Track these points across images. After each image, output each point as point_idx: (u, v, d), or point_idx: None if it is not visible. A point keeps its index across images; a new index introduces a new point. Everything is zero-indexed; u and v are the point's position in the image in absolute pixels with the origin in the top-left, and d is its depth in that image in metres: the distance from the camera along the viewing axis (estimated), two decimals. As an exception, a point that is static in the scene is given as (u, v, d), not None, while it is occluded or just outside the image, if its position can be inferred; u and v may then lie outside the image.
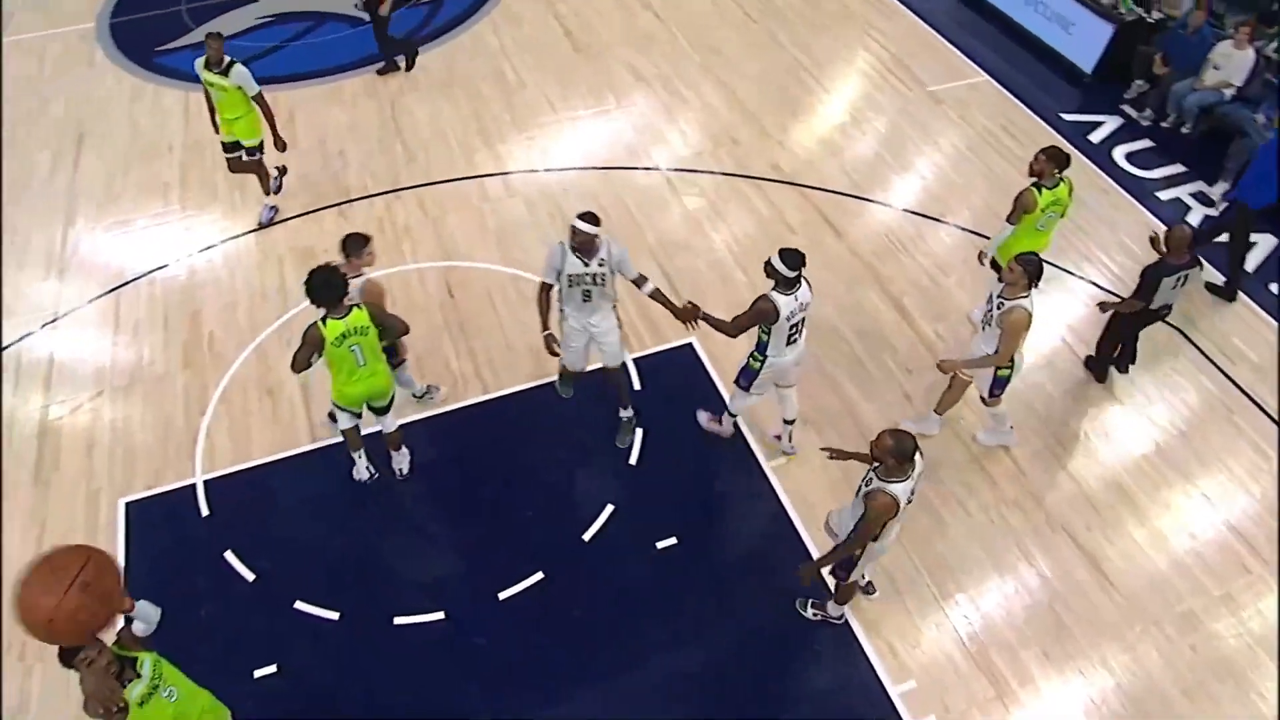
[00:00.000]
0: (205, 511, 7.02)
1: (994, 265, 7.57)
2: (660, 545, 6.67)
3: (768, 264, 6.08)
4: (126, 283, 8.93)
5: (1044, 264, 6.24)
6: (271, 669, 6.13)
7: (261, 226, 9.22)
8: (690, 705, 5.93)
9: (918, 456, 5.12)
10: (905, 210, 9.28)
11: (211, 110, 8.88)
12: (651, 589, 6.48)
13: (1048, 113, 10.58)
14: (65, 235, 9.49)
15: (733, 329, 6.25)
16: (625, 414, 7.19)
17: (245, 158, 9.04)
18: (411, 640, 6.25)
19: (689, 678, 6.05)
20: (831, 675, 6.11)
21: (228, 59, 8.35)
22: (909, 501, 5.26)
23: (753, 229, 9.06)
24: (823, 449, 5.98)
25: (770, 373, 6.51)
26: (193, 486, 7.17)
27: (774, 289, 6.12)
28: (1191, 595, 6.45)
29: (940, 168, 9.82)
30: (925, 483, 6.90)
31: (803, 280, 6.17)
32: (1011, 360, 6.49)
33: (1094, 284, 8.55)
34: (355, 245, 6.53)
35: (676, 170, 9.79)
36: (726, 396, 7.27)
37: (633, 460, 7.19)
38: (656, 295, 6.52)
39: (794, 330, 6.28)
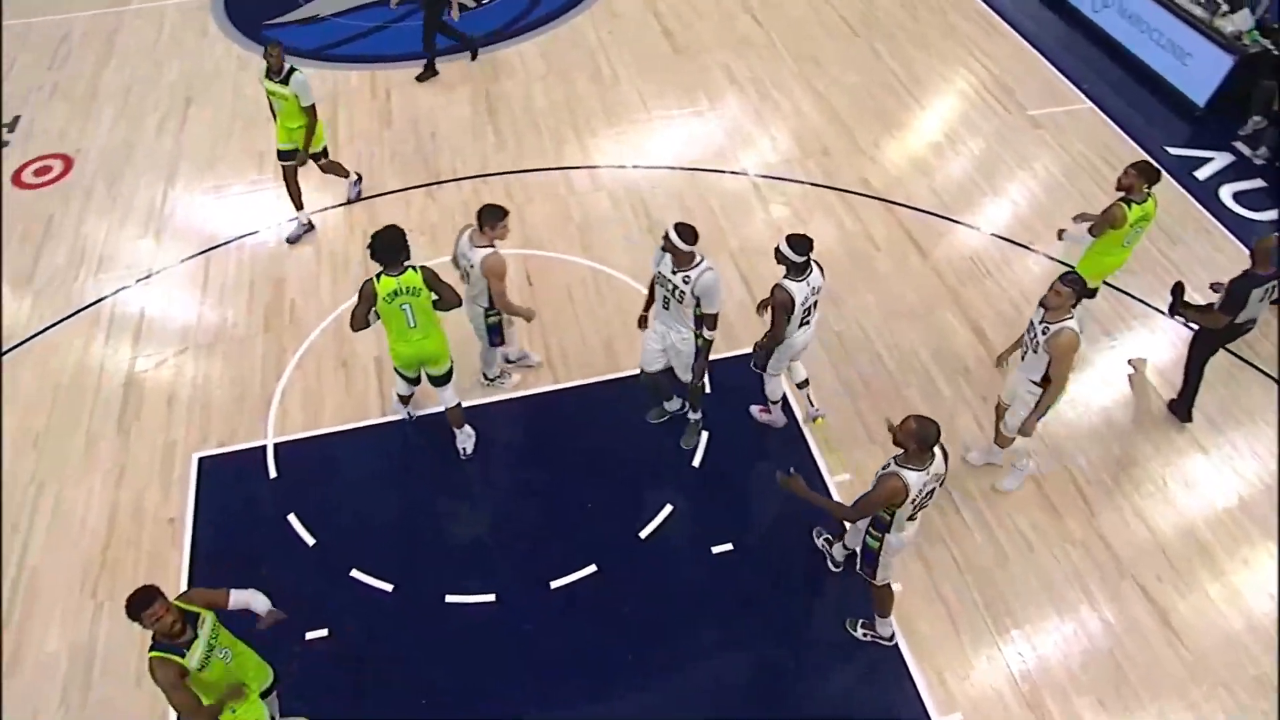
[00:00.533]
0: (273, 474, 7.18)
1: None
2: (716, 550, 6.62)
3: (777, 251, 6.26)
4: (217, 246, 9.19)
5: (1094, 289, 6.28)
6: (323, 632, 6.25)
7: (350, 201, 9.31)
8: (731, 713, 5.88)
9: (939, 454, 5.15)
10: (993, 235, 9.05)
11: (276, 116, 8.75)
12: (703, 593, 6.43)
13: (1152, 145, 10.22)
14: (165, 195, 9.82)
15: (767, 341, 6.56)
16: (693, 416, 7.15)
17: (315, 162, 8.93)
18: (461, 619, 6.31)
19: (732, 687, 5.99)
20: (877, 699, 5.98)
21: (288, 67, 8.26)
22: (925, 496, 5.25)
23: (835, 242, 8.94)
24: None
25: (784, 351, 6.70)
26: (263, 448, 7.35)
27: (785, 276, 6.31)
28: (1267, 659, 6.16)
29: (1033, 194, 9.56)
30: (990, 512, 6.76)
31: (813, 265, 6.34)
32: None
33: (1188, 326, 8.23)
34: (491, 216, 6.51)
35: (764, 176, 9.71)
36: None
37: (695, 463, 7.15)
38: (703, 348, 6.51)
39: (806, 314, 6.47)
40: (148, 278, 8.92)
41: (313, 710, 5.84)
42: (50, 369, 8.06)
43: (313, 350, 8.07)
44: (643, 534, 6.72)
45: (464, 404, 7.05)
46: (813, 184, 9.60)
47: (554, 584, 6.45)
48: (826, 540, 6.61)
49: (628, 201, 9.40)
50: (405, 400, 7.23)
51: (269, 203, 9.63)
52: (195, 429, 7.53)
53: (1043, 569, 6.56)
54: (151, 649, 4.55)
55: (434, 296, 6.32)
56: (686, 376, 6.75)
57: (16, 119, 10.95)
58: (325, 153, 9.00)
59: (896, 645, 6.12)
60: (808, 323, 6.56)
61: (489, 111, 10.71)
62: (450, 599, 6.39)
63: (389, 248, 6.17)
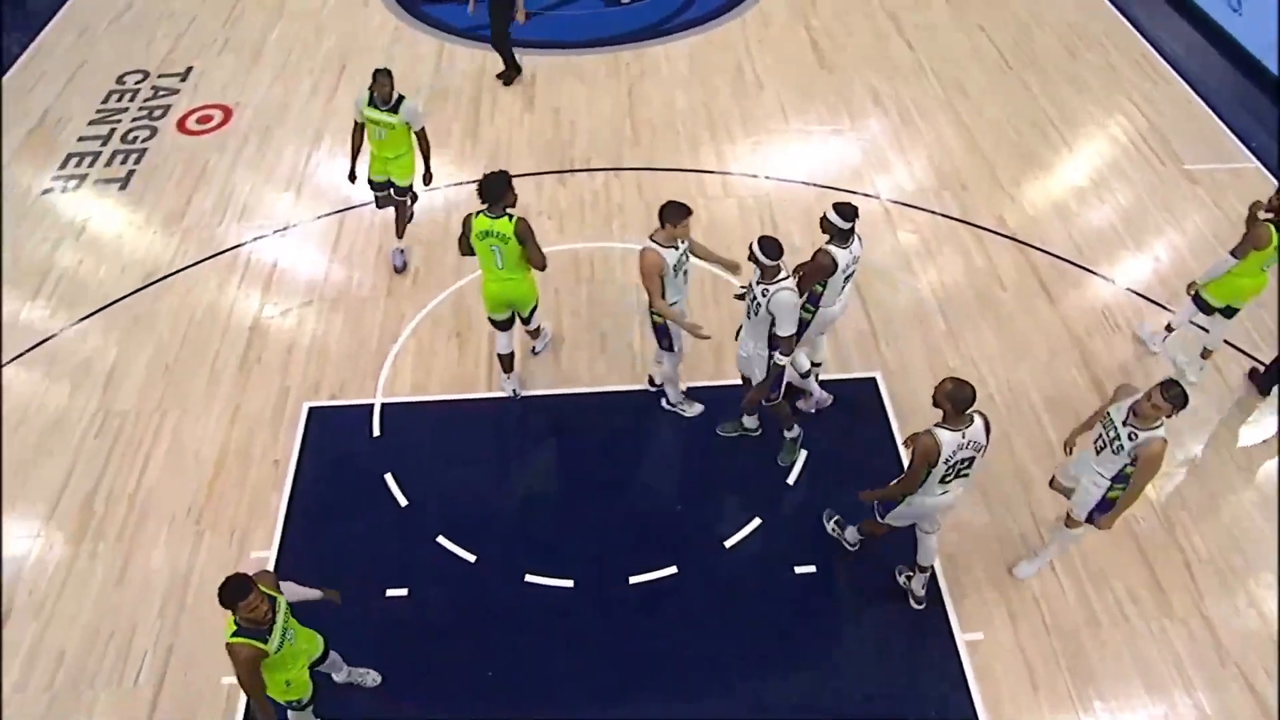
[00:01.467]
0: (376, 432, 7.39)
1: (1196, 298, 7.35)
2: (798, 570, 6.51)
3: (823, 219, 6.44)
4: (352, 207, 9.52)
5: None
6: (403, 592, 6.40)
7: (397, 271, 8.77)
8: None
9: (979, 422, 5.37)
10: (1129, 289, 8.65)
11: (355, 153, 8.32)
12: (779, 611, 6.33)
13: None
14: (310, 155, 10.24)
15: (801, 286, 6.42)
16: (789, 434, 7.06)
17: (394, 196, 8.51)
18: (537, 599, 6.37)
19: (797, 707, 5.87)
20: (946, 749, 5.79)
21: (397, 94, 7.91)
22: (960, 462, 5.41)
23: (962, 277, 8.69)
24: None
25: (818, 323, 6.79)
26: (370, 406, 7.57)
27: (829, 243, 6.44)
28: (1378, 775, 5.72)
29: (1179, 251, 9.09)
30: (1085, 572, 6.46)
31: (855, 234, 6.48)
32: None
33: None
34: (674, 214, 6.37)
35: (896, 202, 9.52)
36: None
37: (790, 480, 7.05)
38: (772, 370, 6.33)
39: (846, 281, 6.60)
40: (284, 230, 9.30)
41: (381, 664, 6.01)
42: (187, 304, 8.50)
43: (430, 318, 8.28)
44: (728, 543, 6.66)
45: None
46: (945, 215, 9.36)
47: (633, 579, 6.44)
48: (837, 523, 6.61)
49: (755, 211, 9.35)
50: (507, 365, 7.41)
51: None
52: (309, 379, 7.82)
53: (1137, 642, 6.22)
54: (236, 634, 4.64)
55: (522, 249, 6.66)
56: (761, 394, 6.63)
57: (189, 69, 11.59)
58: (411, 188, 8.54)
59: (971, 701, 5.89)
60: (843, 291, 6.68)
61: (629, 107, 10.81)
62: (529, 578, 6.46)
63: (492, 190, 6.51)
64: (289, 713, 5.30)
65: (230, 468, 7.18)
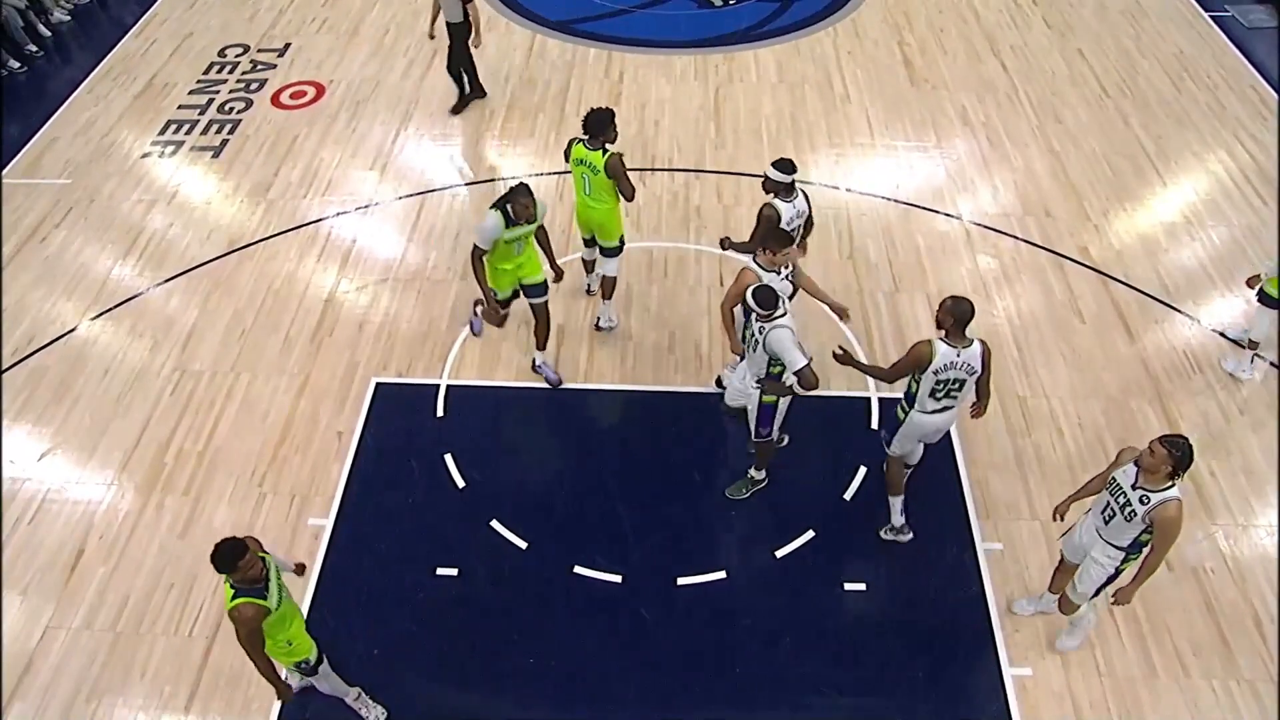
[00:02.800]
0: (440, 413, 7.50)
1: (1261, 294, 7.33)
2: (848, 586, 6.44)
3: (765, 178, 6.71)
4: (433, 190, 9.68)
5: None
6: (453, 571, 6.48)
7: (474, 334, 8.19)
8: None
9: (979, 346, 5.67)
10: (1214, 330, 8.35)
11: (483, 282, 7.04)
12: (825, 626, 6.27)
13: None
14: (397, 135, 10.43)
15: (751, 246, 6.59)
16: (756, 474, 6.88)
17: (533, 297, 7.35)
18: (584, 591, 6.40)
19: (834, 727, 5.83)
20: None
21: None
22: (952, 383, 5.70)
23: (1040, 306, 8.49)
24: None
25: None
26: (436, 387, 7.68)
27: (773, 199, 6.69)
28: None
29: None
30: (1147, 621, 6.25)
31: (798, 188, 6.74)
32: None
33: None
34: (775, 241, 6.28)
35: (978, 225, 9.34)
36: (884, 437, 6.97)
37: (848, 496, 6.97)
38: (766, 405, 6.19)
39: (793, 233, 6.69)
40: (366, 208, 9.49)
41: (424, 640, 6.13)
42: (267, 272, 8.72)
43: (500, 305, 8.37)
44: (779, 553, 6.61)
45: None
46: (1028, 242, 9.16)
47: (681, 581, 6.43)
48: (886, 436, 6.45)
49: (834, 224, 9.24)
50: (590, 267, 8.11)
51: (489, 159, 10.06)
52: (378, 355, 7.96)
53: (1197, 700, 5.98)
54: (236, 596, 4.71)
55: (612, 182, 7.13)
56: (752, 427, 6.44)
57: (288, 45, 11.90)
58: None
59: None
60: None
61: (715, 110, 10.79)
62: (578, 570, 6.49)
63: (594, 124, 7.04)
64: (307, 679, 5.42)
65: (296, 435, 7.35)
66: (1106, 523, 5.34)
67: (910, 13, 12.61)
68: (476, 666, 6.04)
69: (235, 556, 4.65)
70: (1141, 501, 5.07)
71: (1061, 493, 6.98)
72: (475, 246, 6.80)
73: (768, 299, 5.80)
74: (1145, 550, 5.26)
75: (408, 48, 11.83)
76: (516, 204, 6.65)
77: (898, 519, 6.64)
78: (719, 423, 7.41)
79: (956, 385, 5.76)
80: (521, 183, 6.72)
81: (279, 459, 7.19)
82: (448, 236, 9.12)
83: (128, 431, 7.40)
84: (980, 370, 5.77)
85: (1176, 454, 4.93)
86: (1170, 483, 5.04)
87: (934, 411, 5.92)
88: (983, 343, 5.73)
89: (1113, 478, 5.25)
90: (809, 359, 5.77)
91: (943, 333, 5.68)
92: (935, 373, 5.66)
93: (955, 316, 5.55)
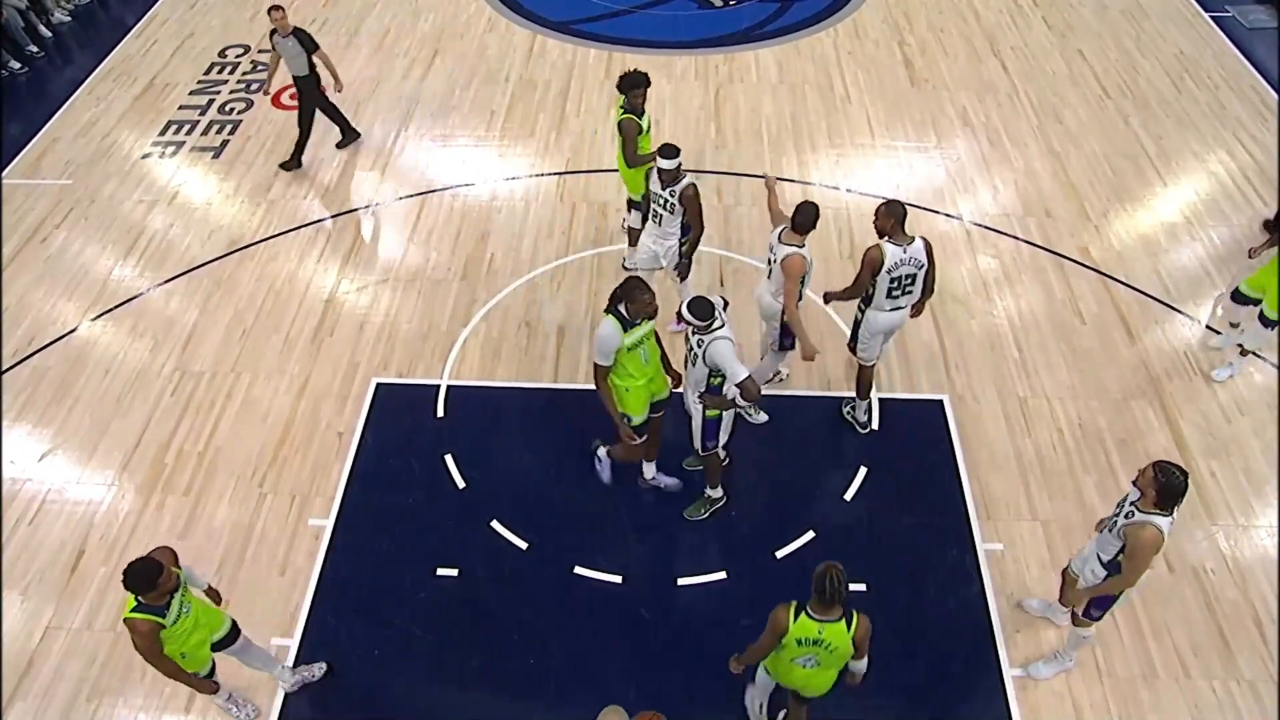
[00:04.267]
0: (440, 413, 7.50)
1: (1236, 294, 7.42)
2: (850, 587, 6.39)
3: (659, 170, 7.05)
4: (433, 190, 9.68)
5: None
6: (453, 572, 6.48)
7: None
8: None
9: (921, 243, 6.35)
10: (1214, 330, 8.35)
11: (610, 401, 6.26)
12: (826, 629, 6.26)
13: None
14: (397, 136, 10.43)
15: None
16: (710, 491, 6.77)
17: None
18: (585, 591, 6.41)
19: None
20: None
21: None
22: (905, 279, 6.37)
23: (1040, 306, 8.49)
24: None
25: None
26: (436, 387, 7.68)
27: (664, 189, 7.13)
28: None
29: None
30: (1147, 621, 6.25)
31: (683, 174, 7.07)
32: None
33: None
34: (807, 215, 6.40)
35: (979, 225, 9.34)
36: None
37: (848, 496, 6.97)
38: (711, 419, 6.15)
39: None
40: (366, 208, 9.49)
41: (425, 639, 6.12)
42: (267, 273, 8.73)
43: (501, 306, 8.37)
44: (779, 554, 6.62)
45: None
46: (1028, 242, 9.16)
47: (681, 581, 6.44)
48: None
49: (834, 224, 9.24)
50: (633, 240, 8.14)
51: (489, 160, 10.07)
52: (379, 355, 7.96)
53: (1198, 701, 5.98)
54: (135, 609, 4.72)
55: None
56: (697, 442, 6.39)
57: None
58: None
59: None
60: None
61: (715, 110, 10.79)
62: (579, 570, 6.49)
63: (620, 84, 7.49)
64: (298, 676, 5.49)
65: (296, 435, 7.35)
66: (1099, 531, 5.33)
67: (911, 13, 12.61)
68: (476, 666, 6.04)
69: (153, 576, 4.64)
70: (1126, 517, 5.01)
71: (1062, 494, 7.04)
72: (596, 365, 5.89)
73: (703, 310, 5.68)
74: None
75: (408, 48, 11.84)
76: (633, 302, 5.67)
77: (864, 416, 7.38)
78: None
79: (909, 281, 6.45)
80: (631, 277, 5.82)
81: (279, 459, 7.20)
82: (448, 236, 9.12)
83: (128, 432, 7.40)
84: (926, 264, 6.41)
85: (1162, 479, 4.80)
86: (1159, 511, 4.89)
87: (891, 310, 6.60)
88: (924, 239, 6.40)
89: (1125, 496, 5.18)
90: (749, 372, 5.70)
91: (886, 237, 6.30)
92: (889, 272, 6.33)
93: (894, 217, 6.25)
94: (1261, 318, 7.42)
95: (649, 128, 7.88)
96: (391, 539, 6.68)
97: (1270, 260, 7.12)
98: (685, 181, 7.08)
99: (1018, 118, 10.80)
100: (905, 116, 10.78)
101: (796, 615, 4.73)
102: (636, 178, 7.80)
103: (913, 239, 6.34)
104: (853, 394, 7.36)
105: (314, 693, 5.87)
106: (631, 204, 8.19)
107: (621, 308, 5.72)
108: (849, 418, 7.41)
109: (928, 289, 6.61)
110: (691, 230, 7.31)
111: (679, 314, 7.34)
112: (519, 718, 5.89)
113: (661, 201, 7.22)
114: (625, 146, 7.63)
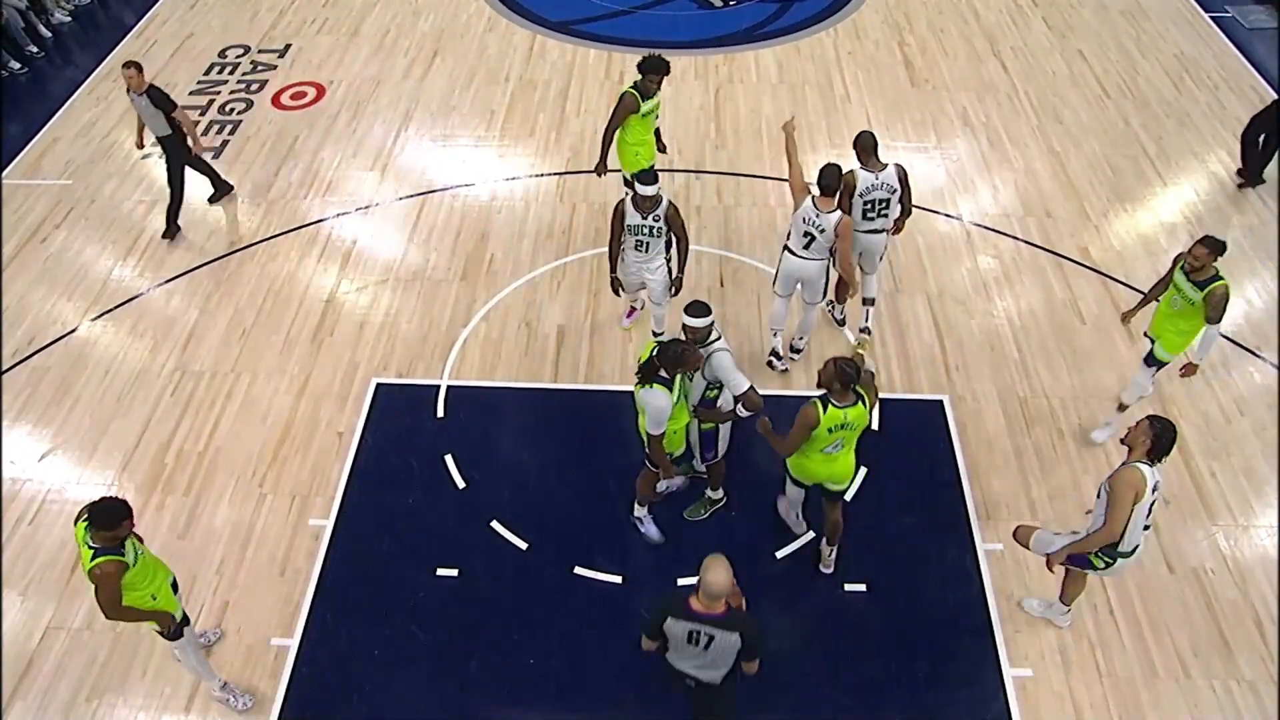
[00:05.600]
0: (440, 413, 7.50)
1: (1150, 355, 6.87)
2: (848, 587, 6.43)
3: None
4: (433, 190, 9.68)
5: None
6: (453, 572, 6.48)
7: None
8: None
9: (891, 165, 7.12)
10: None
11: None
12: (824, 627, 6.28)
13: None
14: (397, 136, 10.43)
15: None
16: (713, 494, 6.80)
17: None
18: (585, 591, 6.40)
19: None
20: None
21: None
22: (879, 204, 7.10)
23: (1040, 306, 8.49)
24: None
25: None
26: (436, 387, 7.68)
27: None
28: None
29: (1272, 296, 8.76)
30: (1147, 622, 6.25)
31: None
32: (1115, 544, 5.29)
33: None
34: (833, 178, 6.85)
35: (979, 225, 9.34)
36: (963, 466, 7.04)
37: (848, 496, 6.95)
38: (709, 433, 6.25)
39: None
40: (366, 209, 9.49)
41: (424, 639, 6.12)
42: (267, 273, 8.73)
43: (501, 306, 8.37)
44: (779, 554, 6.62)
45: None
46: (1028, 242, 9.16)
47: (682, 581, 6.42)
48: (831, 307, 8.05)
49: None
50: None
51: (489, 160, 10.08)
52: (379, 356, 7.96)
53: (1198, 700, 5.98)
54: (95, 556, 4.73)
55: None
56: (698, 453, 6.44)
57: (288, 46, 11.91)
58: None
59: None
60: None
61: (715, 110, 10.80)
62: (578, 570, 6.49)
63: (650, 65, 7.59)
64: (180, 645, 5.40)
65: (296, 435, 7.35)
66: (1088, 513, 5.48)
67: (910, 13, 12.62)
68: (477, 667, 6.04)
69: (122, 515, 4.71)
70: (1109, 478, 5.19)
71: (1062, 493, 7.03)
72: (653, 436, 5.83)
73: (702, 310, 5.79)
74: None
75: (408, 48, 11.84)
76: (684, 364, 5.60)
77: (839, 315, 8.19)
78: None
79: (883, 205, 7.14)
80: (670, 342, 5.66)
81: (279, 459, 7.19)
82: (448, 236, 9.12)
83: (128, 432, 7.40)
84: (899, 188, 7.15)
85: (1157, 426, 5.06)
86: (1146, 461, 5.10)
87: (867, 231, 7.26)
88: (898, 165, 7.18)
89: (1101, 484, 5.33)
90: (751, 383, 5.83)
91: (860, 165, 7.04)
92: (861, 195, 7.04)
93: (863, 146, 7.09)
94: (1149, 357, 6.93)
95: (654, 115, 7.94)
96: (391, 539, 6.68)
97: (1156, 309, 6.85)
98: (664, 203, 6.96)
99: (1018, 118, 10.80)
100: (905, 117, 10.78)
101: (825, 407, 5.45)
102: (627, 154, 7.98)
103: (885, 166, 7.09)
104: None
105: (313, 693, 5.87)
106: (628, 183, 8.14)
107: (663, 373, 5.61)
108: (830, 314, 8.19)
109: (905, 211, 7.44)
110: (679, 244, 7.19)
111: (632, 309, 8.14)
112: (519, 718, 5.88)
113: (646, 230, 7.02)
114: (612, 116, 7.76)
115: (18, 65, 11.62)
